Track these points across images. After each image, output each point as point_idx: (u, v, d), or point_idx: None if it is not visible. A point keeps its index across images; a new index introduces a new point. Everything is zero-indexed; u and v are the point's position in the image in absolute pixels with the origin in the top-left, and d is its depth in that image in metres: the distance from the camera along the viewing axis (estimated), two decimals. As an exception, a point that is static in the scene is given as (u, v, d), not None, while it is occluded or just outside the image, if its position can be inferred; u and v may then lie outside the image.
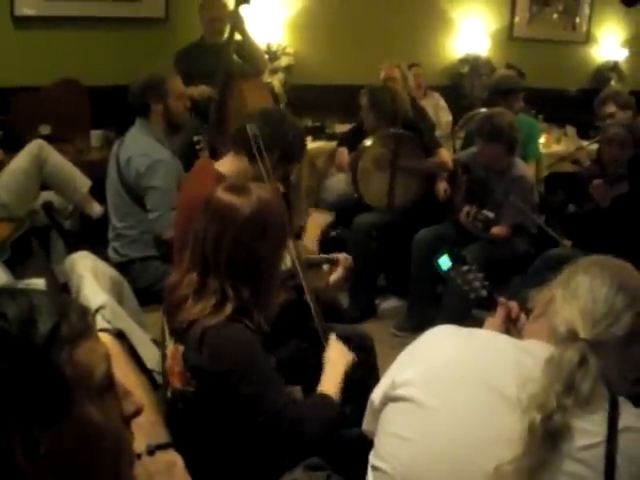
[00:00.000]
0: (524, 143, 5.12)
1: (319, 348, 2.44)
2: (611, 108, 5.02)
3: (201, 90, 4.83)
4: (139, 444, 1.35)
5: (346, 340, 2.48)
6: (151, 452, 1.39)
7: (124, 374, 1.56)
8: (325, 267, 2.92)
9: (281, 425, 2.00)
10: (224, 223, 2.08)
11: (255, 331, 2.07)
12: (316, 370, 2.33)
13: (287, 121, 3.04)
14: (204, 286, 2.07)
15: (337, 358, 2.35)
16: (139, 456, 1.34)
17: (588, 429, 1.26)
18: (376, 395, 1.52)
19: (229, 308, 2.03)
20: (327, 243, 4.74)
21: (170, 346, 2.15)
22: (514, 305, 2.01)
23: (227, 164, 2.97)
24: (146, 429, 1.45)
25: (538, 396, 1.27)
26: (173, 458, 1.44)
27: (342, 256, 2.93)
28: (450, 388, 1.38)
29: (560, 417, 1.25)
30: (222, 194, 2.14)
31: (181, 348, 2.08)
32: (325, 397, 2.18)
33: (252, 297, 2.08)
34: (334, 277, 2.89)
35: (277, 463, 2.04)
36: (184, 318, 2.06)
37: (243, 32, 5.06)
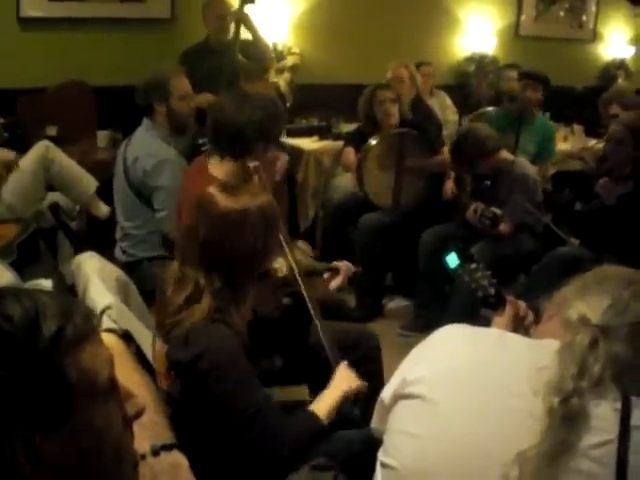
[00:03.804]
0: (540, 145, 5.15)
1: (322, 346, 2.44)
2: (615, 109, 5.01)
3: (205, 98, 4.77)
4: (143, 444, 1.35)
5: (352, 341, 2.47)
6: (155, 453, 1.38)
7: (129, 375, 1.56)
8: (325, 275, 2.90)
9: (251, 429, 1.99)
10: (201, 213, 2.14)
11: (236, 332, 2.08)
12: (322, 369, 2.32)
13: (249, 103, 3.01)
14: (183, 276, 2.12)
15: (339, 382, 2.29)
16: (143, 457, 1.33)
17: (600, 426, 1.25)
18: (386, 393, 1.52)
19: (205, 301, 2.05)
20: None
21: (157, 344, 2.16)
22: (522, 304, 2.01)
23: (216, 167, 3.00)
24: (150, 429, 1.44)
25: (554, 381, 1.28)
26: (177, 459, 1.44)
27: (343, 264, 2.91)
28: (461, 386, 1.37)
29: (577, 401, 1.25)
30: (211, 189, 2.20)
31: (164, 347, 2.10)
32: (312, 415, 2.15)
33: (224, 290, 2.10)
34: (334, 284, 2.87)
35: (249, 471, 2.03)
36: (167, 313, 2.10)
37: (251, 28, 5.06)
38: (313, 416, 2.14)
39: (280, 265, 2.55)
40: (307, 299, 2.53)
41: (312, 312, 2.51)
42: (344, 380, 2.30)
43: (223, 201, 2.12)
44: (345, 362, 2.40)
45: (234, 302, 2.13)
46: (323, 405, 2.18)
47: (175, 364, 2.06)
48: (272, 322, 2.42)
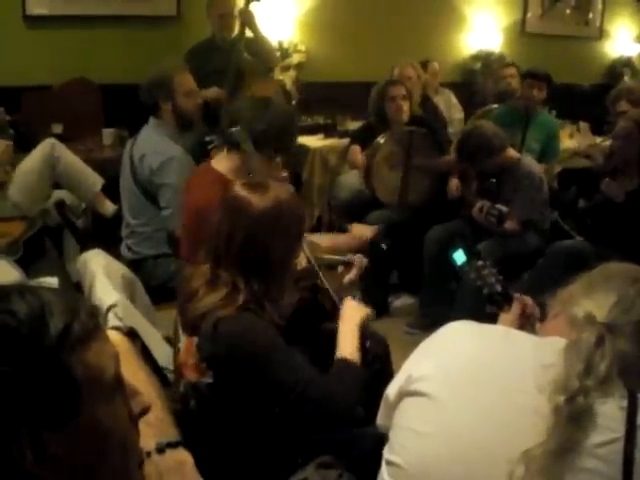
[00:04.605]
0: (545, 143, 5.13)
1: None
2: (624, 106, 4.98)
3: (213, 92, 4.80)
4: (149, 442, 1.35)
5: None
6: (161, 450, 1.39)
7: (134, 372, 1.56)
8: (339, 268, 2.92)
9: (306, 402, 2.00)
10: (237, 217, 2.11)
11: (268, 322, 2.08)
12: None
13: (268, 113, 3.01)
14: (216, 278, 2.10)
15: (350, 315, 2.33)
16: (149, 454, 1.34)
17: (606, 425, 1.25)
18: (391, 390, 1.51)
19: (241, 299, 2.05)
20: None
21: (183, 339, 2.16)
22: (529, 300, 2.00)
23: (222, 162, 3.01)
24: (156, 427, 1.44)
25: (560, 379, 1.27)
26: (183, 456, 1.44)
27: (357, 257, 2.93)
28: (467, 383, 1.37)
29: (583, 399, 1.25)
30: (239, 190, 2.17)
31: (195, 340, 2.09)
32: (345, 362, 2.16)
33: (263, 290, 2.10)
34: (348, 278, 2.89)
35: (307, 444, 2.05)
36: (196, 309, 2.08)
37: (254, 27, 5.06)
38: (349, 364, 2.15)
39: (300, 258, 2.56)
40: (330, 291, 2.58)
41: (337, 303, 2.52)
42: (354, 312, 2.35)
43: (256, 201, 2.11)
44: (349, 298, 2.45)
45: (271, 299, 2.13)
46: (348, 347, 2.20)
47: (208, 356, 2.05)
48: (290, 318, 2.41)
